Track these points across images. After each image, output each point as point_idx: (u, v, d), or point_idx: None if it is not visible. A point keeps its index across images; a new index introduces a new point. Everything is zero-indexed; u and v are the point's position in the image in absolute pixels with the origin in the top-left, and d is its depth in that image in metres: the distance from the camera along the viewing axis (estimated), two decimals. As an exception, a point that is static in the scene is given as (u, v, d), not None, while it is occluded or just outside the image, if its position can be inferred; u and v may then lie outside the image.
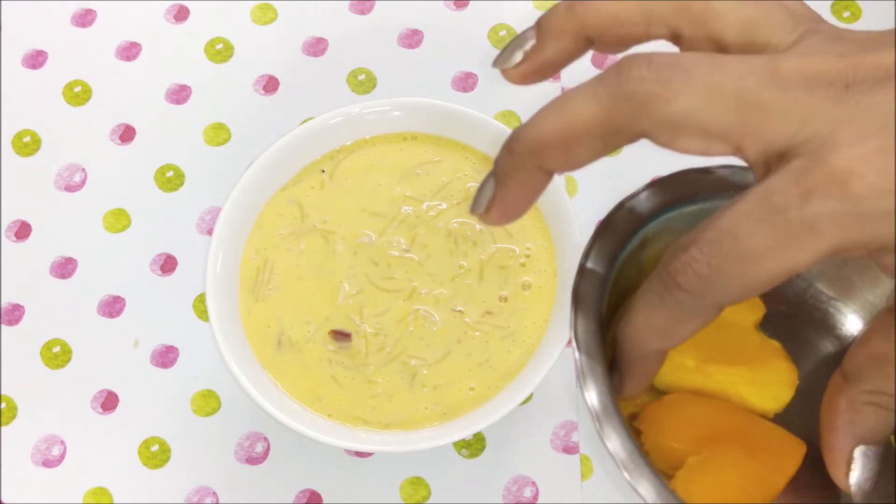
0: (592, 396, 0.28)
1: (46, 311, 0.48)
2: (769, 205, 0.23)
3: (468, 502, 0.44)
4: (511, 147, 0.26)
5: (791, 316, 0.36)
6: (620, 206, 0.30)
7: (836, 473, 0.28)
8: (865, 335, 0.28)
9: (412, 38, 0.53)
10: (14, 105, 0.53)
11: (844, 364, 0.28)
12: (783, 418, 0.33)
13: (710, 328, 0.27)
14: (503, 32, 0.53)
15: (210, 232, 0.49)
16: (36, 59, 0.54)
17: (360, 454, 0.45)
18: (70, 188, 0.51)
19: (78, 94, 0.53)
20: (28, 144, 0.52)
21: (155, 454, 0.46)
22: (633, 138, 0.25)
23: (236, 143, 0.51)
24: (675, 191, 0.30)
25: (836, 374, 0.28)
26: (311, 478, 0.45)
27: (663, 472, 0.30)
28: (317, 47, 0.53)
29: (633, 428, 0.32)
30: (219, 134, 0.52)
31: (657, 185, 0.30)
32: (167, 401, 0.47)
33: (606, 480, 0.45)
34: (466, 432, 0.40)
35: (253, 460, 0.45)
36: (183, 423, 0.46)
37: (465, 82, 0.52)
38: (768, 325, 0.34)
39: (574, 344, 0.29)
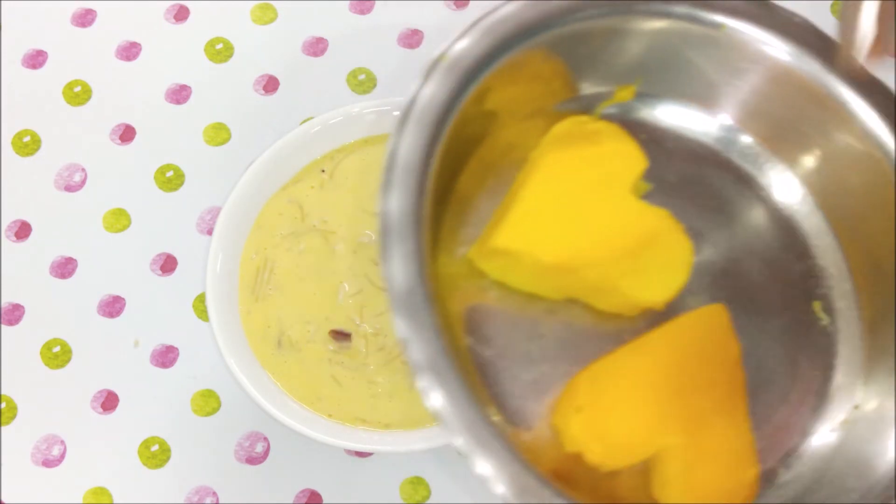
0: (417, 350, 0.24)
1: (46, 311, 0.48)
2: None
3: (468, 502, 0.44)
4: None
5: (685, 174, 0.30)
6: (428, 71, 0.26)
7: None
8: None
9: (412, 38, 0.53)
10: (14, 105, 0.53)
11: None
12: (680, 306, 0.29)
13: (571, 198, 0.24)
14: (503, 32, 0.53)
15: (210, 232, 0.49)
16: (36, 59, 0.54)
17: (360, 454, 0.45)
18: (70, 188, 0.51)
19: (78, 94, 0.53)
20: (28, 144, 0.52)
21: (155, 454, 0.46)
22: None
23: (236, 143, 0.51)
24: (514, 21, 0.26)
25: None
26: (311, 478, 0.45)
27: (613, 473, 0.27)
28: (317, 47, 0.53)
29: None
30: (219, 134, 0.52)
31: (480, 24, 0.26)
32: (167, 401, 0.47)
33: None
34: (466, 432, 0.40)
35: (253, 460, 0.45)
36: (183, 423, 0.46)
37: (465, 82, 0.52)
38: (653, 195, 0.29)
39: (387, 280, 0.24)
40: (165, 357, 0.47)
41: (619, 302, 0.30)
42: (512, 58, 0.27)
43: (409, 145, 0.26)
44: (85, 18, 0.55)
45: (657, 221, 0.30)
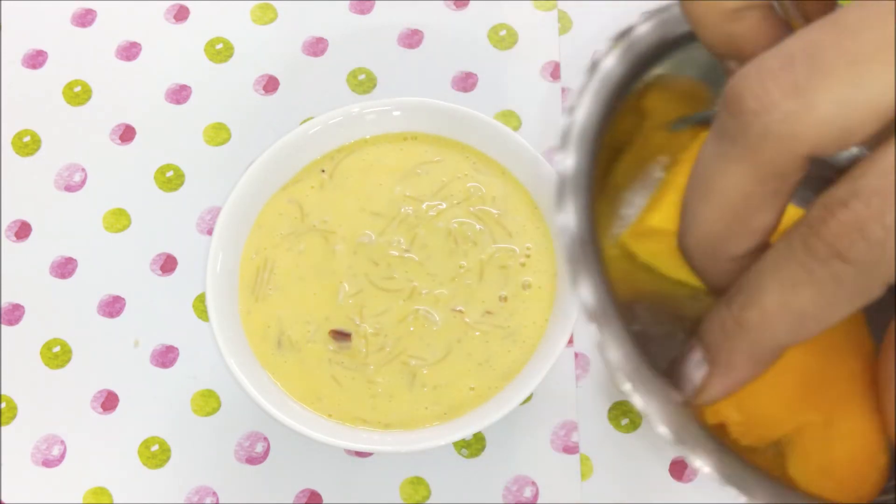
0: (587, 295, 0.22)
1: (46, 311, 0.48)
2: None
3: (468, 502, 0.44)
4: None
5: None
6: (613, 45, 0.24)
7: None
8: None
9: (412, 38, 0.53)
10: (14, 105, 0.53)
11: None
12: None
13: None
14: (503, 32, 0.53)
15: (210, 232, 0.49)
16: (36, 59, 0.54)
17: (360, 454, 0.45)
18: (70, 188, 0.51)
19: (78, 94, 0.53)
20: (28, 144, 0.52)
21: (155, 454, 0.46)
22: None
23: (236, 143, 0.51)
24: (683, 23, 0.24)
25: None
26: (311, 478, 0.45)
27: (751, 447, 0.25)
28: (317, 47, 0.53)
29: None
30: (219, 134, 0.52)
31: (659, 15, 0.25)
32: (167, 401, 0.47)
33: (607, 480, 0.45)
34: (466, 432, 0.40)
35: (253, 460, 0.45)
36: (183, 423, 0.46)
37: (465, 82, 0.52)
38: None
39: (560, 229, 0.23)
40: (165, 357, 0.47)
41: None
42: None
43: (587, 111, 0.24)
44: (85, 18, 0.55)
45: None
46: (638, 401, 0.22)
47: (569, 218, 0.22)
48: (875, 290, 0.19)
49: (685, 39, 0.25)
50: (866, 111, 0.18)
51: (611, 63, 0.24)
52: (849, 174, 0.18)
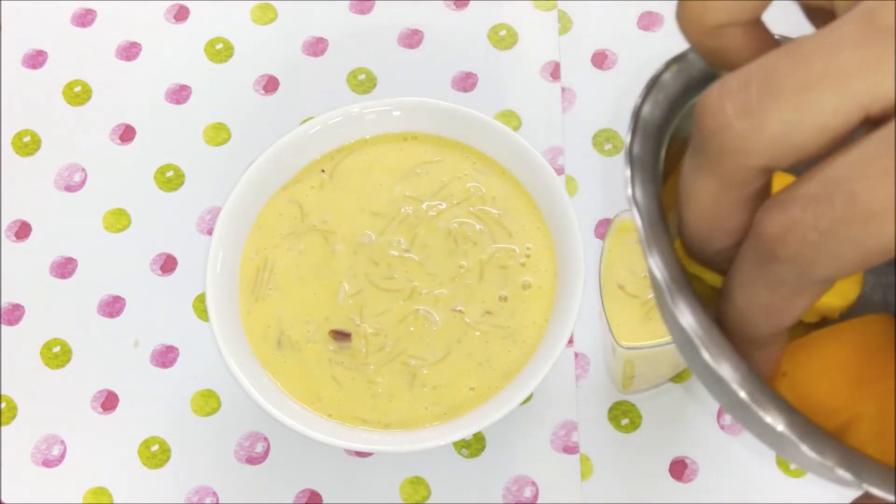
0: (659, 265, 0.23)
1: (46, 311, 0.48)
2: None
3: (468, 502, 0.44)
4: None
5: None
6: (668, 66, 0.26)
7: None
8: None
9: (412, 38, 0.53)
10: (14, 105, 0.53)
11: None
12: (848, 315, 0.29)
13: None
14: (503, 32, 0.53)
15: (210, 232, 0.49)
16: (36, 59, 0.54)
17: (360, 454, 0.45)
18: (70, 188, 0.51)
19: (78, 94, 0.53)
20: (28, 144, 0.52)
21: (155, 454, 0.46)
22: None
23: (236, 143, 0.51)
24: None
25: None
26: (311, 478, 0.45)
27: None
28: (317, 47, 0.53)
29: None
30: (219, 134, 0.52)
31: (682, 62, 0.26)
32: (167, 401, 0.47)
33: (607, 480, 0.45)
34: (466, 432, 0.40)
35: (253, 460, 0.45)
36: (183, 423, 0.46)
37: (465, 82, 0.52)
38: None
39: (634, 209, 0.24)
40: (165, 357, 0.47)
41: None
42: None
43: (650, 109, 0.26)
44: (85, 18, 0.55)
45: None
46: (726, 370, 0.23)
47: (640, 197, 0.24)
48: (818, 287, 0.20)
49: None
50: (813, 132, 0.19)
51: (646, 109, 0.27)
52: (795, 181, 0.20)
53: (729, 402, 0.24)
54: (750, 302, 0.21)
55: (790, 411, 0.23)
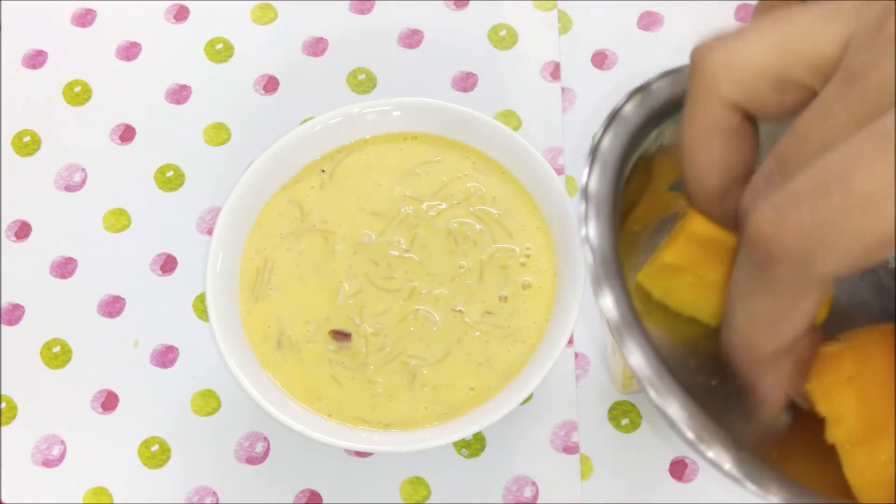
0: (609, 304, 0.23)
1: (46, 311, 0.48)
2: (889, 140, 0.18)
3: (468, 502, 0.44)
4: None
5: None
6: (630, 97, 0.26)
7: None
8: None
9: (412, 38, 0.53)
10: (14, 105, 0.53)
11: None
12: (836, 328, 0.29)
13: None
14: (503, 32, 0.53)
15: (210, 232, 0.49)
16: (36, 59, 0.54)
17: (360, 454, 0.45)
18: (70, 188, 0.51)
19: (78, 94, 0.53)
20: (28, 144, 0.52)
21: (155, 454, 0.46)
22: None
23: (236, 143, 0.51)
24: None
25: None
26: (311, 478, 0.45)
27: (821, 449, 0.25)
28: (317, 47, 0.53)
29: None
30: (219, 134, 0.52)
31: (674, 74, 0.26)
32: (167, 401, 0.47)
33: (607, 480, 0.45)
34: (466, 432, 0.40)
35: (253, 460, 0.45)
36: (183, 423, 0.46)
37: (465, 82, 0.52)
38: None
39: (586, 249, 0.24)
40: (165, 357, 0.47)
41: None
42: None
43: (610, 142, 0.26)
44: (85, 18, 0.55)
45: None
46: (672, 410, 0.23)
47: (593, 235, 0.24)
48: (821, 286, 0.20)
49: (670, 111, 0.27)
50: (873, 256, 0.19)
51: (607, 141, 0.26)
52: (784, 183, 0.19)
53: (682, 438, 0.24)
54: (752, 315, 0.21)
55: (737, 449, 0.23)
